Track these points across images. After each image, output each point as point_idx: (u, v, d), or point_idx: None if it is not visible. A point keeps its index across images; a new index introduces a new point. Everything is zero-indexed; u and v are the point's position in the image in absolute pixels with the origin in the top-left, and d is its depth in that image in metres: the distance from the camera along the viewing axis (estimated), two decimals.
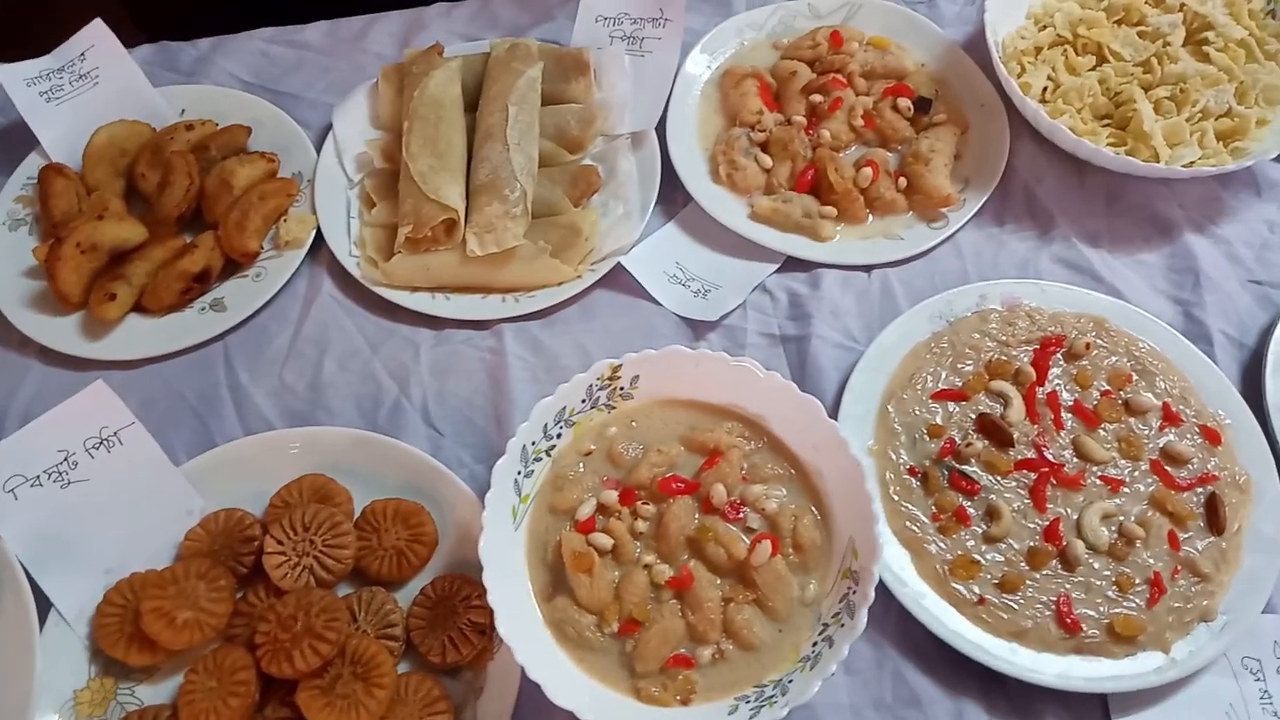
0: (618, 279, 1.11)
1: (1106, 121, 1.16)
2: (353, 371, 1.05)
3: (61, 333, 1.06)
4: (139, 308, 1.08)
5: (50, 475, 0.89)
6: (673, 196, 1.17)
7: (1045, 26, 1.22)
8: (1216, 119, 1.13)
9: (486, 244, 1.07)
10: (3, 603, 0.86)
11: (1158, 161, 1.09)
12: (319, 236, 1.12)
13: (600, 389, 0.94)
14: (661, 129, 1.19)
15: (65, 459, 0.89)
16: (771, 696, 0.82)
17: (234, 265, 1.11)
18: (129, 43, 1.27)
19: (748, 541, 0.88)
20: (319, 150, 1.19)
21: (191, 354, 1.07)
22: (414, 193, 1.09)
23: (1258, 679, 0.88)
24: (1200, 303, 1.07)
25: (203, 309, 1.08)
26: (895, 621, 0.91)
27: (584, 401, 0.94)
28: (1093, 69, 1.18)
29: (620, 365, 0.94)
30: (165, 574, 0.87)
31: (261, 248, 1.11)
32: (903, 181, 1.15)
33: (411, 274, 1.09)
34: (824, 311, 1.08)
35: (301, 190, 1.16)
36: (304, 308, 1.10)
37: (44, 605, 0.87)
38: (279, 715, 0.84)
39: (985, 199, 1.14)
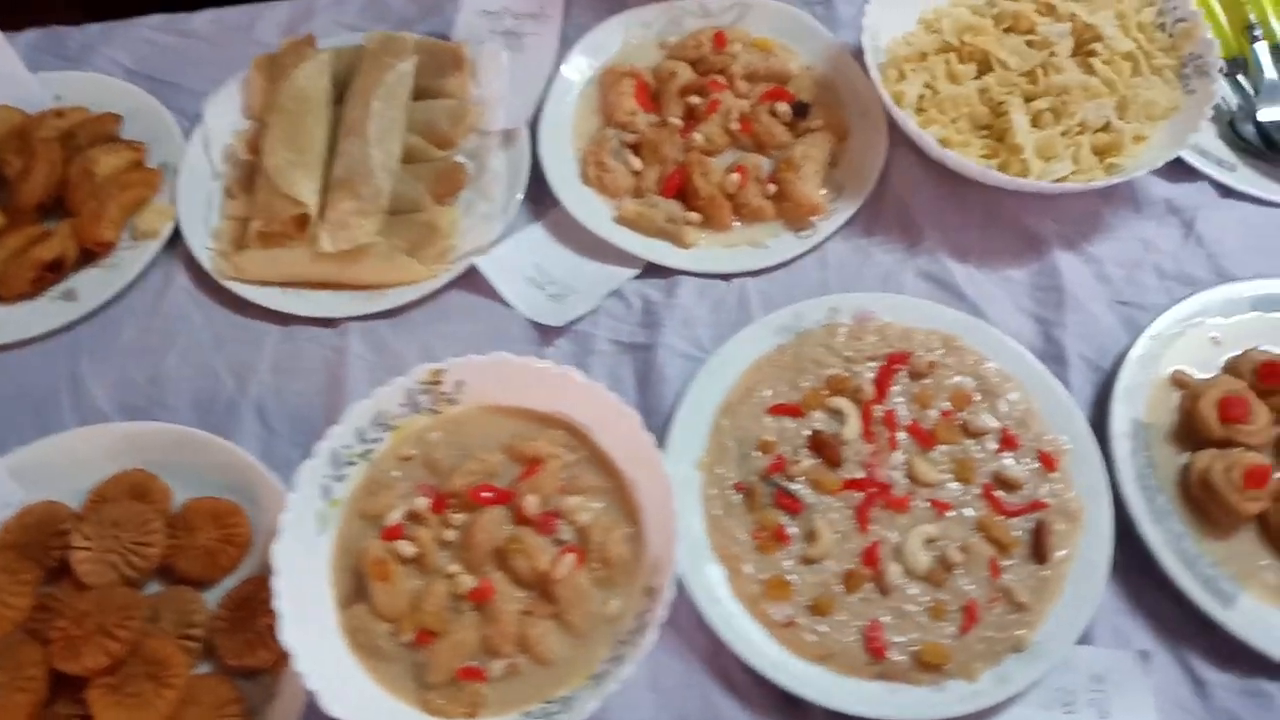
0: (475, 280, 1.09)
1: (986, 132, 1.13)
2: (194, 366, 1.05)
3: None
4: None
5: None
6: (544, 197, 1.15)
7: (936, 31, 1.19)
8: (1094, 133, 1.09)
9: (338, 241, 1.06)
10: None
11: (1027, 175, 1.06)
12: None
13: (421, 393, 0.93)
14: (538, 127, 1.18)
15: None
16: (556, 713, 0.81)
17: (92, 255, 1.11)
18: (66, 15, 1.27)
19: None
20: None
21: (40, 344, 1.07)
22: (267, 186, 1.09)
23: (1069, 711, 0.86)
24: (1061, 323, 1.05)
25: (54, 298, 1.08)
26: (707, 641, 0.89)
27: (404, 405, 0.93)
28: (977, 78, 1.15)
29: (442, 369, 0.93)
30: None
31: (119, 238, 1.11)
32: (773, 188, 1.12)
33: (263, 269, 1.08)
34: (675, 320, 1.06)
35: (168, 181, 1.15)
36: (155, 301, 1.09)
37: None
38: (69, 712, 0.83)
39: (856, 209, 1.12)
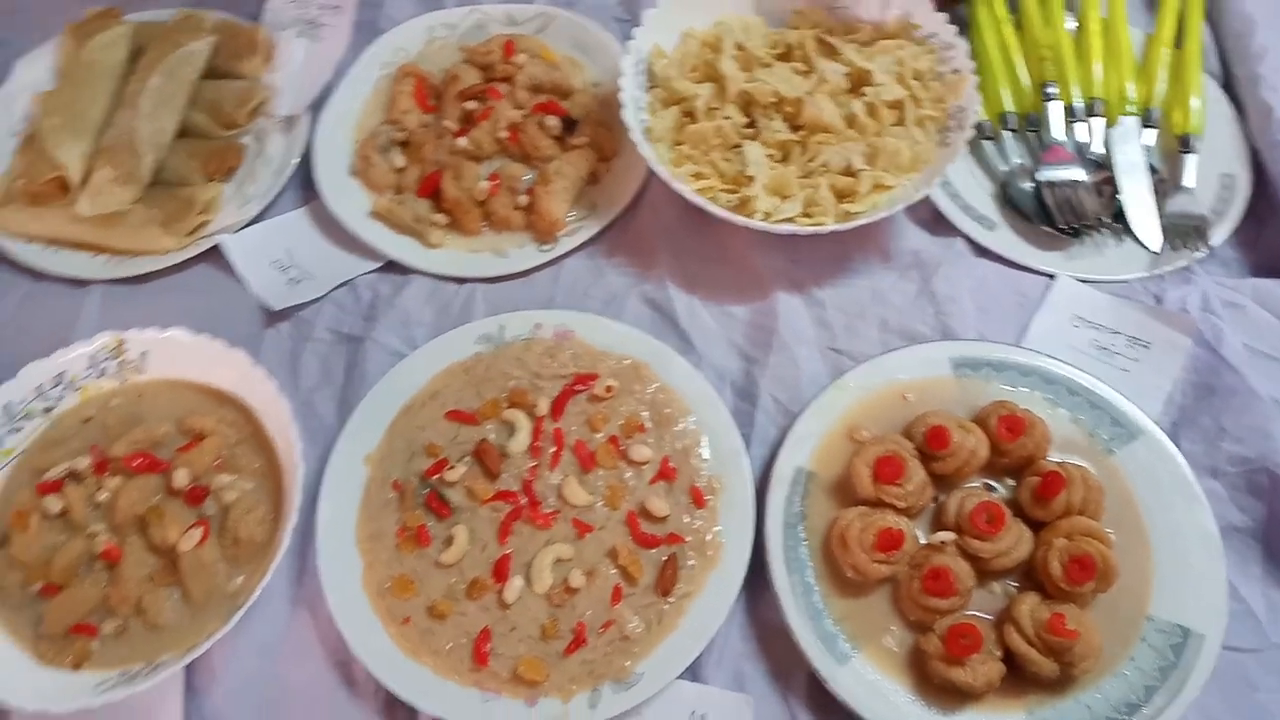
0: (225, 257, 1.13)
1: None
2: None
3: None
4: None
5: None
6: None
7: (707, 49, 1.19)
8: (836, 175, 1.08)
9: (95, 205, 1.11)
10: None
11: (754, 209, 1.06)
12: None
13: (106, 359, 0.98)
14: (320, 117, 1.21)
15: None
16: (137, 675, 0.85)
17: None
18: None
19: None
20: None
21: None
22: (36, 147, 1.14)
23: None
24: (764, 363, 1.04)
25: None
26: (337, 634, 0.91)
27: (90, 369, 0.98)
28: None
29: (124, 339, 0.97)
30: None
31: None
32: (526, 199, 1.14)
33: (24, 224, 1.14)
34: (394, 318, 1.09)
35: None
36: None
37: None
38: None
39: (601, 229, 1.13)
